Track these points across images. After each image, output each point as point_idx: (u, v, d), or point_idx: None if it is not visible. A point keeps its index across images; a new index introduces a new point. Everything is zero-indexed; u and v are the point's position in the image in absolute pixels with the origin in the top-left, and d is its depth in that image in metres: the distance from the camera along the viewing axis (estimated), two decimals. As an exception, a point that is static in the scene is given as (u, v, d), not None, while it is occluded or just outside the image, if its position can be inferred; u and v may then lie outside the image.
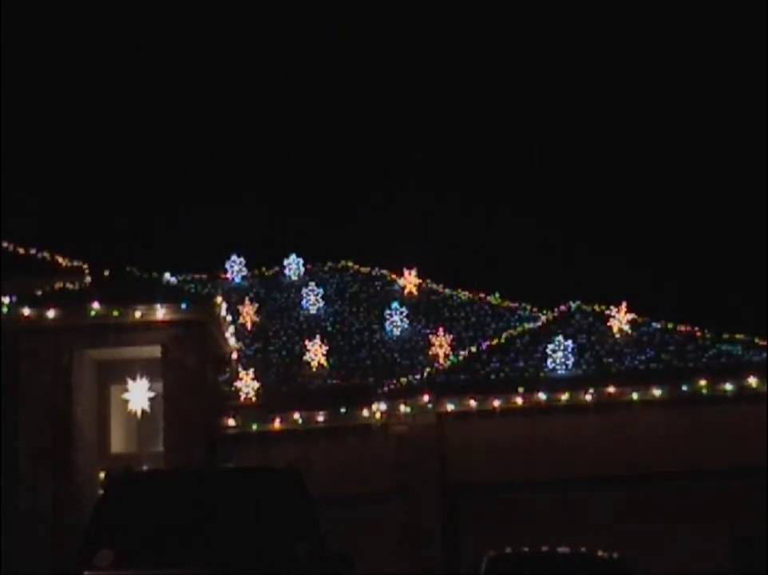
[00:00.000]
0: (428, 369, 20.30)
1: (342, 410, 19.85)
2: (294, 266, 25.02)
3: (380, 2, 42.38)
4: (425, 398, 19.55)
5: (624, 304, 21.10)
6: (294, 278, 24.82)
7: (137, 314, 19.62)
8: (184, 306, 19.69)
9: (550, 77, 40.33)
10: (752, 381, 19.30)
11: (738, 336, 20.47)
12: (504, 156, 38.46)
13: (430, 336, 21.89)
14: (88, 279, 20.84)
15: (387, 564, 18.64)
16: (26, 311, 19.58)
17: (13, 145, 30.67)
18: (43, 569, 17.91)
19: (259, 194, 37.10)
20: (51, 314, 19.53)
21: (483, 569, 13.37)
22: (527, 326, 21.61)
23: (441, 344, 21.56)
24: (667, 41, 40.16)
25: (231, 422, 19.89)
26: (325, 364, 21.43)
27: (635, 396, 19.40)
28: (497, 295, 23.69)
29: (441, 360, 20.91)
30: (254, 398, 20.48)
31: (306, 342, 21.68)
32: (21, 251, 21.41)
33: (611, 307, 21.31)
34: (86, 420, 20.11)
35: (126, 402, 20.49)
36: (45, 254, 21.46)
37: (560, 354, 20.02)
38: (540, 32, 41.57)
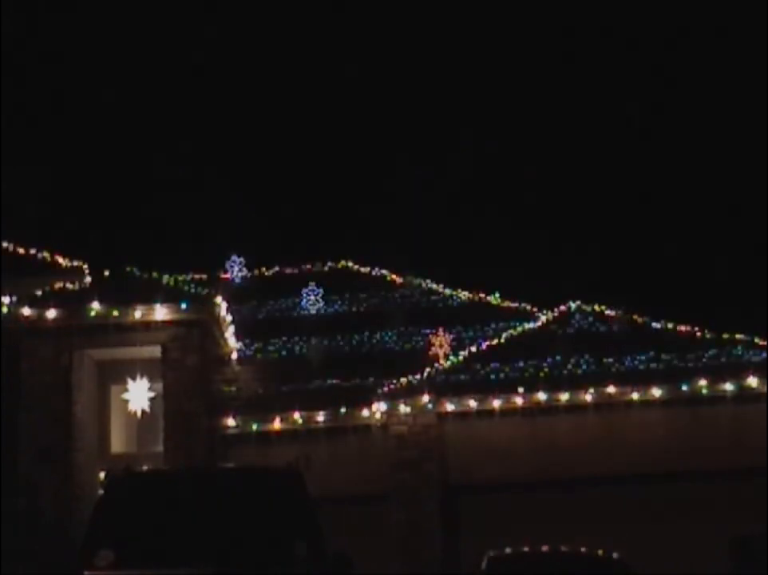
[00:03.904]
0: (428, 369, 20.30)
1: (342, 410, 19.86)
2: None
3: (379, 2, 42.39)
4: (425, 398, 19.56)
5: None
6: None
7: (137, 314, 19.62)
8: (184, 306, 19.69)
9: (547, 77, 40.33)
10: (752, 381, 19.31)
11: (738, 336, 20.47)
12: (504, 155, 38.46)
13: (430, 336, 21.88)
14: (88, 279, 20.84)
15: (387, 564, 18.64)
16: (26, 311, 19.58)
17: (13, 145, 30.64)
18: (43, 569, 17.91)
19: (258, 194, 37.10)
20: (51, 314, 19.52)
21: (483, 568, 13.39)
22: (527, 326, 21.61)
23: (441, 344, 21.55)
24: (662, 45, 40.15)
25: (231, 422, 19.88)
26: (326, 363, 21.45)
27: (635, 396, 19.41)
28: (497, 295, 23.70)
29: (441, 360, 20.90)
30: (254, 398, 20.47)
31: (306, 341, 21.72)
32: (21, 251, 21.41)
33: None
34: (86, 420, 20.10)
35: (126, 402, 20.48)
36: (45, 254, 21.46)
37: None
38: (534, 33, 41.57)
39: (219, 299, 20.42)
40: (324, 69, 44.42)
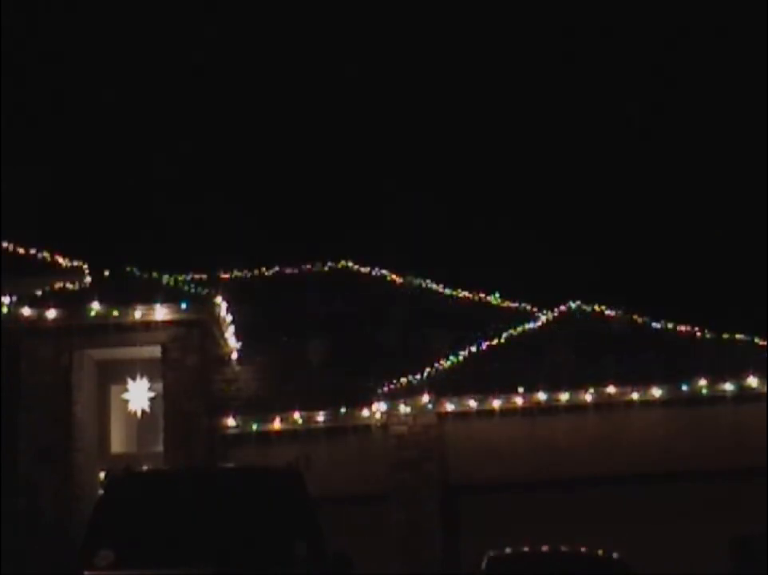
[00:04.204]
0: (428, 369, 20.29)
1: (342, 410, 19.85)
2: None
3: (380, 3, 42.38)
4: (425, 398, 19.55)
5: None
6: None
7: (137, 314, 19.60)
8: (184, 306, 19.68)
9: (547, 77, 40.31)
10: (752, 381, 19.30)
11: (738, 336, 20.46)
12: (503, 155, 38.45)
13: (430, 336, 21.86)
14: (88, 279, 20.82)
15: (387, 564, 18.64)
16: (26, 311, 19.56)
17: (13, 145, 30.63)
18: (43, 568, 17.90)
19: (259, 194, 37.10)
20: (51, 314, 19.51)
21: (483, 568, 13.40)
22: (527, 326, 21.61)
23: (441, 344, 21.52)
24: (662, 45, 40.14)
25: (231, 422, 19.87)
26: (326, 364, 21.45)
27: (635, 396, 19.41)
28: (497, 295, 23.69)
29: (441, 360, 20.88)
30: (254, 398, 20.46)
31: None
32: (21, 251, 21.39)
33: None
34: (86, 420, 20.10)
35: (126, 402, 20.48)
36: (45, 254, 21.44)
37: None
38: (534, 33, 41.56)
39: (219, 299, 20.41)
40: (324, 68, 44.44)
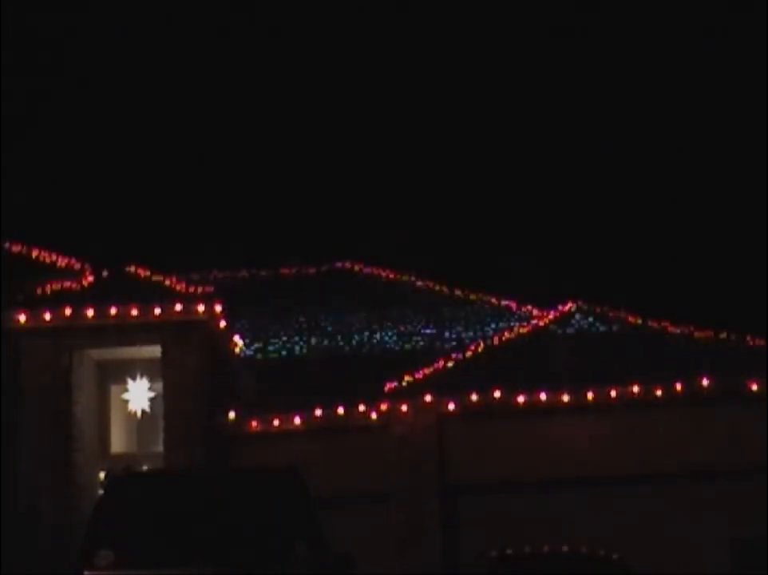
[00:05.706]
0: (428, 369, 20.28)
1: (342, 410, 19.84)
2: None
3: (379, 3, 42.43)
4: (426, 397, 19.55)
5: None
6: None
7: (137, 314, 19.58)
8: (184, 306, 19.66)
9: (548, 73, 40.33)
10: (752, 381, 19.29)
11: (738, 336, 20.46)
12: (503, 155, 38.47)
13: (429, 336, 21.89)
14: (88, 279, 20.80)
15: (387, 564, 18.63)
16: (26, 312, 19.54)
17: (13, 145, 30.64)
18: (43, 569, 17.90)
19: (259, 193, 37.12)
20: (51, 314, 19.49)
21: (483, 569, 13.41)
22: (527, 326, 21.60)
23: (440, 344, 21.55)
24: (662, 47, 40.22)
25: (232, 422, 19.86)
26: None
27: (635, 396, 19.40)
28: (497, 294, 23.70)
29: (442, 360, 20.88)
30: (254, 398, 20.46)
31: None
32: (21, 251, 21.37)
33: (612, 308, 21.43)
34: (86, 420, 20.08)
35: (126, 402, 20.47)
36: (45, 254, 21.42)
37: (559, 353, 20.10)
38: (540, 32, 41.61)
39: (219, 299, 20.38)
40: (324, 67, 44.46)
